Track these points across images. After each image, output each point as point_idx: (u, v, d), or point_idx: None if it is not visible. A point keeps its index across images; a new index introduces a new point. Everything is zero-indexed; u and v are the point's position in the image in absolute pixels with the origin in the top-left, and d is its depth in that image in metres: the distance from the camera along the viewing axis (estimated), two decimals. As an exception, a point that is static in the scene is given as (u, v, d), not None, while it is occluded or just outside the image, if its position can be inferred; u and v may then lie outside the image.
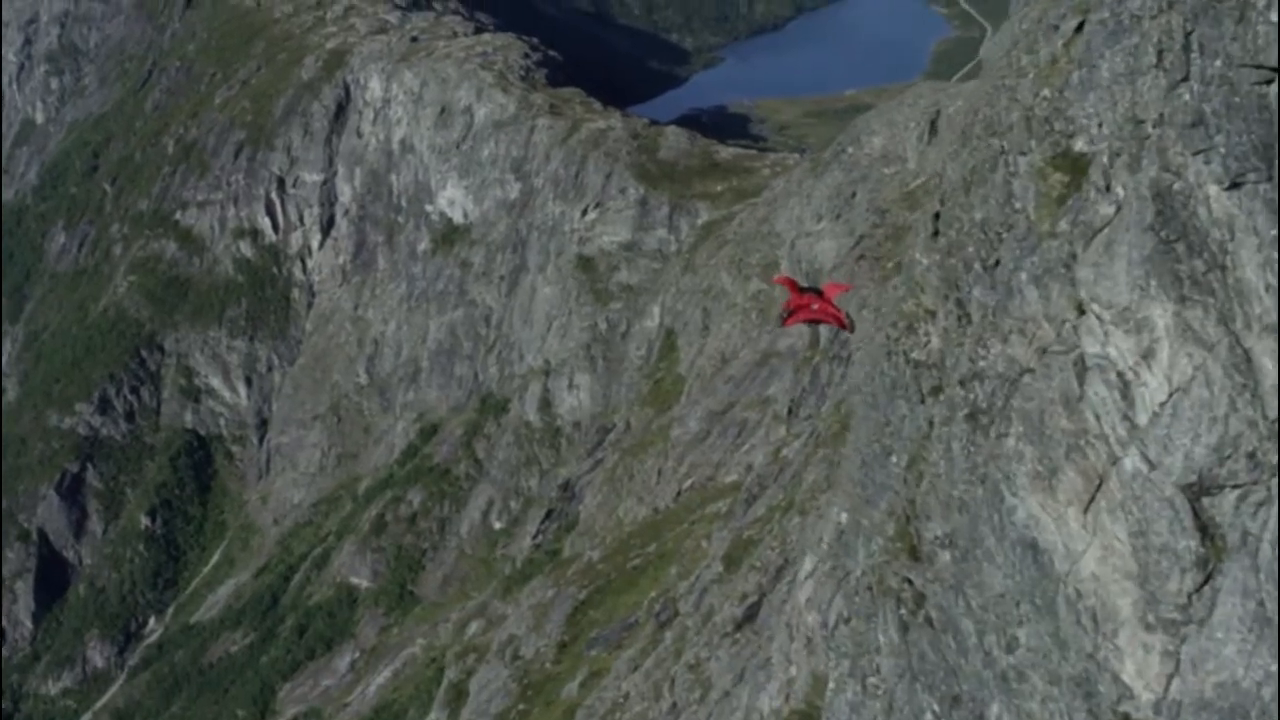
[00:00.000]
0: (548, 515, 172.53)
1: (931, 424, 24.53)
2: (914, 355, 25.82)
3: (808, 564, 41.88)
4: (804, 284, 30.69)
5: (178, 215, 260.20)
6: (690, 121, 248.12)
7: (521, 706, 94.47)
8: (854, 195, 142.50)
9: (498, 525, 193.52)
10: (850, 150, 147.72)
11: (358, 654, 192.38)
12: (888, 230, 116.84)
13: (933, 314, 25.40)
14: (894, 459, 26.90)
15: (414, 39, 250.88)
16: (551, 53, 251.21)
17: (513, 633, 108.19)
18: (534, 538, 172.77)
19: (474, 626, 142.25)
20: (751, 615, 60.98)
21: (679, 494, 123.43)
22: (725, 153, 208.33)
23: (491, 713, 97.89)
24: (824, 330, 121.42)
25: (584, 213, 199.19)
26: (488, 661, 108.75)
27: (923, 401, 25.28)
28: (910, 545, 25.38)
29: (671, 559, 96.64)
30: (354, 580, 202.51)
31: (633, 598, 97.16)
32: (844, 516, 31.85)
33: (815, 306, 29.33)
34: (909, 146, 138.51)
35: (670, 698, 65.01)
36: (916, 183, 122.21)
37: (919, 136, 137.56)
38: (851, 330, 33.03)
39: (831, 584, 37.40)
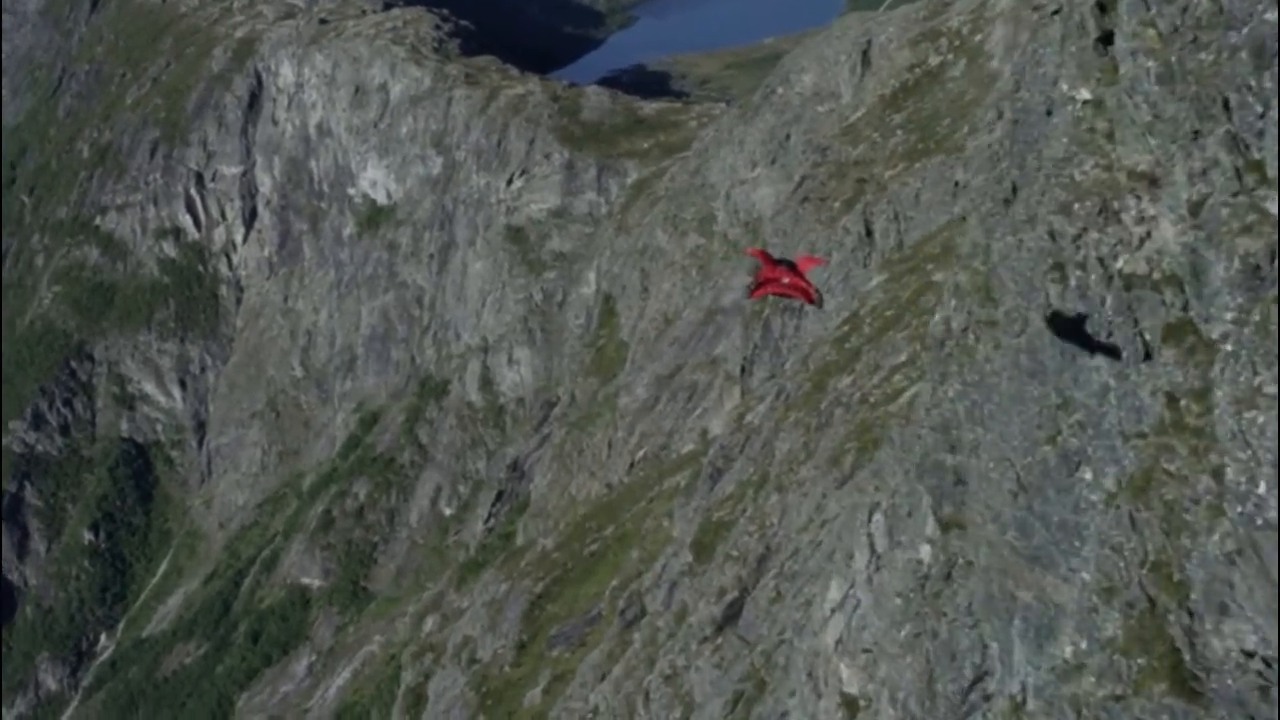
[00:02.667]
0: (498, 497, 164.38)
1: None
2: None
3: (835, 591, 31.59)
4: (776, 256, 28.04)
5: (98, 220, 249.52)
6: (610, 84, 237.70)
7: (482, 718, 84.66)
8: (788, 137, 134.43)
9: (448, 512, 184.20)
10: (780, 91, 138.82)
11: (314, 656, 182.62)
12: (830, 169, 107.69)
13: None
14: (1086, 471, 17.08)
15: (323, 21, 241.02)
16: (463, 22, 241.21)
17: (467, 633, 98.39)
18: (486, 522, 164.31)
19: (430, 622, 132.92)
20: (733, 616, 51.17)
21: (632, 466, 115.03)
22: (649, 108, 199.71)
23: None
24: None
25: (509, 182, 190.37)
26: (444, 666, 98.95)
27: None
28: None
29: (631, 542, 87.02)
30: (305, 580, 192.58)
31: (592, 588, 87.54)
32: (926, 549, 21.48)
33: (786, 280, 26.76)
34: (842, 81, 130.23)
35: (645, 715, 55.12)
36: (856, 115, 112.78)
37: (851, 70, 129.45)
38: (820, 305, 29.36)
39: (884, 623, 27.58)
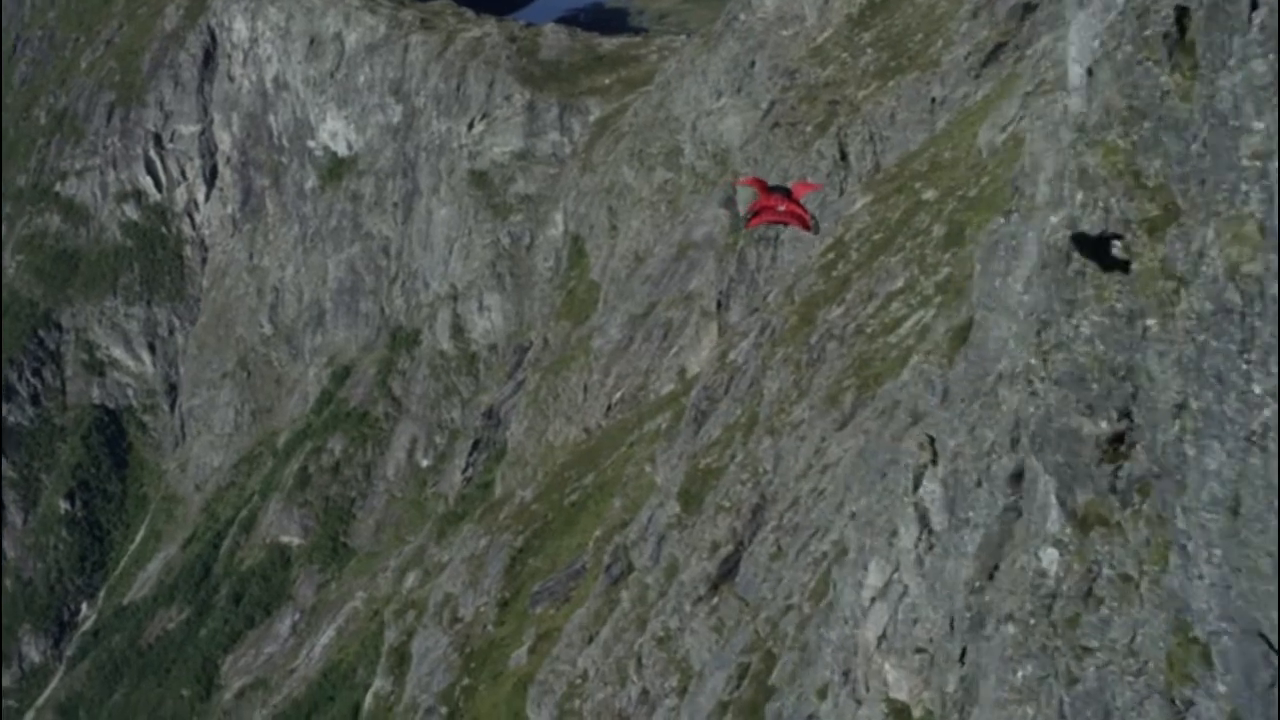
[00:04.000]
0: (475, 446, 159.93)
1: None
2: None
3: (874, 574, 26.51)
4: (771, 184, 27.45)
5: (58, 187, 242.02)
6: (568, 23, 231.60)
7: (466, 681, 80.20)
8: (753, 64, 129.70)
9: (425, 463, 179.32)
10: (743, 17, 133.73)
11: (298, 616, 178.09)
12: (800, 92, 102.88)
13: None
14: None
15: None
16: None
17: (448, 590, 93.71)
18: (464, 472, 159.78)
19: (411, 577, 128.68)
20: (729, 572, 46.50)
21: (609, 409, 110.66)
22: (609, 44, 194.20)
23: (435, 689, 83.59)
24: (745, 212, 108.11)
25: (470, 126, 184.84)
26: (425, 626, 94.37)
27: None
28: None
29: (613, 489, 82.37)
30: (284, 539, 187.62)
31: (574, 539, 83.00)
32: (1051, 554, 16.09)
33: (782, 208, 26.03)
34: (805, 3, 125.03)
35: (639, 681, 50.50)
36: (823, 36, 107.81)
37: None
38: (816, 232, 29.35)
39: (941, 618, 22.73)
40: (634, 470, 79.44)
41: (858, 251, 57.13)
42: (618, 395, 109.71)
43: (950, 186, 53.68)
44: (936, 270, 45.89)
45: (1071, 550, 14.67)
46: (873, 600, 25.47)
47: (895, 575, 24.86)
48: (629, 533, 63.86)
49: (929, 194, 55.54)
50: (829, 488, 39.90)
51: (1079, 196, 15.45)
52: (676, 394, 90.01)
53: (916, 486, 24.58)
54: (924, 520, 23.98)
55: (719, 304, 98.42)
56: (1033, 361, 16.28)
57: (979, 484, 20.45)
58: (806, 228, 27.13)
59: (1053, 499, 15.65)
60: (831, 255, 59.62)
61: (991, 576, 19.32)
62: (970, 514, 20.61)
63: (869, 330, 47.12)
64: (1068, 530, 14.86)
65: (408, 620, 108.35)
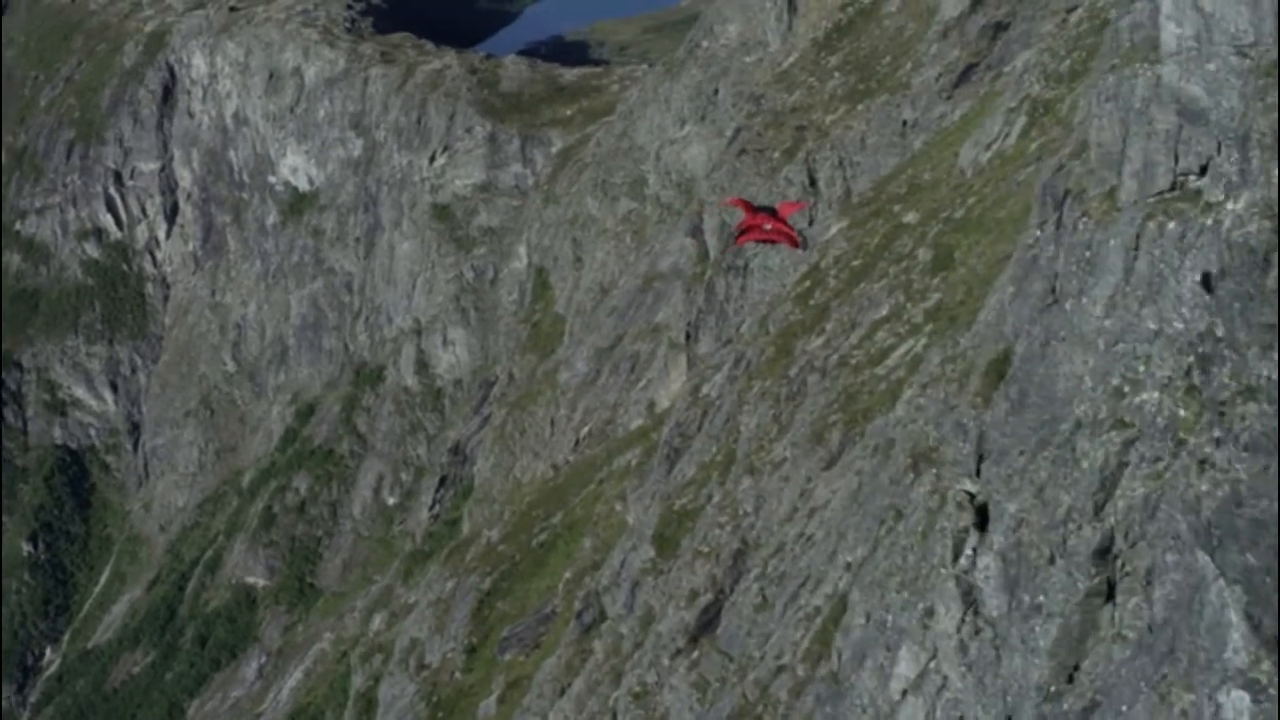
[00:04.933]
0: (441, 483, 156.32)
1: None
2: None
3: (906, 661, 22.81)
4: (757, 204, 31.51)
5: (18, 226, 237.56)
6: (528, 56, 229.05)
7: (434, 731, 76.64)
8: (716, 92, 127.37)
9: (391, 501, 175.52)
10: (705, 44, 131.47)
11: (264, 658, 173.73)
12: (766, 118, 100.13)
13: None
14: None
15: (232, 8, 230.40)
16: (375, 1, 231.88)
17: (414, 635, 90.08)
18: (430, 509, 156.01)
19: (378, 619, 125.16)
20: (709, 623, 43.10)
21: (577, 444, 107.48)
22: (570, 75, 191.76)
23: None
24: (712, 242, 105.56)
25: (432, 159, 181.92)
26: (391, 673, 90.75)
27: None
28: None
29: (582, 529, 78.97)
30: (250, 580, 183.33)
31: (543, 581, 79.48)
32: (1239, 698, 12.25)
33: (769, 226, 27.48)
34: (768, 29, 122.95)
35: (615, 740, 47.06)
36: (789, 61, 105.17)
37: (778, 16, 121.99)
38: (804, 248, 33.94)
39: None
40: (604, 509, 76.13)
41: (836, 279, 53.98)
42: (585, 430, 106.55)
43: (933, 208, 50.66)
44: (924, 296, 42.75)
45: (1272, 694, 11.15)
46: (904, 694, 21.95)
47: (932, 664, 21.34)
48: (600, 577, 60.47)
49: (910, 217, 52.51)
50: (818, 533, 36.60)
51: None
52: (646, 429, 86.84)
53: (957, 556, 21.10)
54: (969, 598, 20.46)
55: (688, 335, 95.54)
56: (1184, 414, 12.82)
57: (1051, 560, 17.15)
58: (795, 245, 28.98)
59: (1236, 617, 11.91)
60: (807, 283, 56.45)
61: (1071, 679, 16.08)
62: (1041, 598, 17.23)
63: (853, 361, 43.91)
64: (1262, 665, 11.34)
65: (374, 664, 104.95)
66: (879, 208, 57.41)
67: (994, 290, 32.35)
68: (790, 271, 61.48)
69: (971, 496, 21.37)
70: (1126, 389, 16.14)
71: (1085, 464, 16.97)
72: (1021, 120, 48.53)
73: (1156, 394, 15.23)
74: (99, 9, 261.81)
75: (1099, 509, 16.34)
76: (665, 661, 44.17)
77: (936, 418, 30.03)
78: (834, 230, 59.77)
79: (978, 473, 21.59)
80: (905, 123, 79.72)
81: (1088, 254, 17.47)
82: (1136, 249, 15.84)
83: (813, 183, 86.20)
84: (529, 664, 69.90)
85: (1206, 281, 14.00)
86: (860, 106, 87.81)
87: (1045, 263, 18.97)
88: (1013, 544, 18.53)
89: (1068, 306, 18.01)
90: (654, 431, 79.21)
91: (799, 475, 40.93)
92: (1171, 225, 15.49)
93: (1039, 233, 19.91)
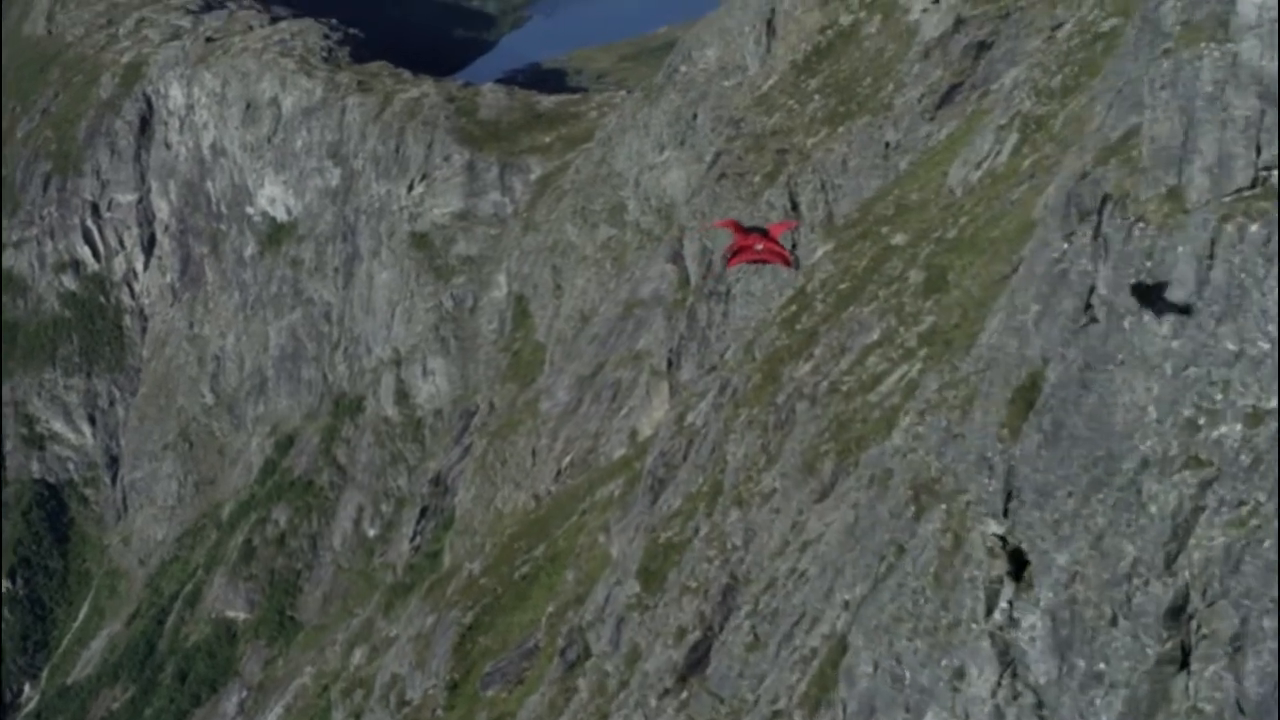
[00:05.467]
0: (422, 514, 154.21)
1: None
2: None
3: None
4: (746, 224, 28.07)
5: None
6: (505, 84, 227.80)
7: (415, 772, 74.61)
8: (695, 116, 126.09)
9: (371, 533, 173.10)
10: (684, 69, 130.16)
11: (245, 693, 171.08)
12: (746, 142, 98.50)
13: None
14: None
15: (209, 39, 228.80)
16: (352, 30, 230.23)
17: (395, 671, 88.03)
18: (412, 541, 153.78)
19: (359, 653, 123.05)
20: (698, 662, 41.20)
21: (559, 474, 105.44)
22: (548, 102, 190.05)
23: (383, 781, 78.06)
24: (693, 267, 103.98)
25: (410, 188, 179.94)
26: (372, 710, 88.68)
27: None
28: None
29: (565, 561, 77.00)
30: (230, 614, 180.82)
31: (526, 615, 77.40)
32: None
33: (760, 247, 25.88)
34: (747, 53, 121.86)
35: (601, 784, 45.20)
36: (769, 84, 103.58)
37: (756, 40, 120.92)
38: (797, 268, 34.30)
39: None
40: (587, 540, 74.22)
41: (823, 303, 52.21)
42: (567, 459, 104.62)
43: (922, 229, 48.95)
44: (917, 320, 40.99)
45: None
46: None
47: (964, 729, 19.37)
48: (584, 612, 58.55)
49: (898, 238, 50.79)
50: (811, 569, 34.74)
51: None
52: (629, 458, 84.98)
53: (991, 609, 19.07)
54: (1006, 659, 18.37)
55: (669, 363, 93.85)
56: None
57: (1113, 621, 15.15)
58: (787, 264, 27.08)
59: None
60: (794, 308, 54.67)
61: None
62: (1101, 665, 15.19)
63: (844, 388, 42.11)
64: None
65: (355, 700, 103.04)
66: (866, 229, 55.72)
67: (994, 311, 30.63)
68: (775, 296, 59.77)
69: (1003, 541, 19.30)
70: (1202, 421, 14.18)
71: (1153, 509, 14.93)
72: (1013, 137, 46.92)
73: (1239, 426, 13.34)
74: (75, 41, 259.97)
75: (1170, 561, 14.32)
76: (653, 702, 42.29)
77: (938, 447, 28.26)
78: (820, 253, 58.06)
79: (1005, 512, 19.63)
80: (888, 144, 78.21)
81: (1148, 264, 15.44)
82: (1211, 257, 13.86)
83: (794, 206, 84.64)
84: (512, 700, 67.95)
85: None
86: (841, 129, 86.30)
87: (1077, 277, 17.15)
88: (1064, 601, 16.38)
89: (1126, 325, 15.87)
90: (637, 461, 77.40)
91: (790, 507, 39.12)
92: (1254, 228, 13.49)
93: (1066, 245, 18.06)
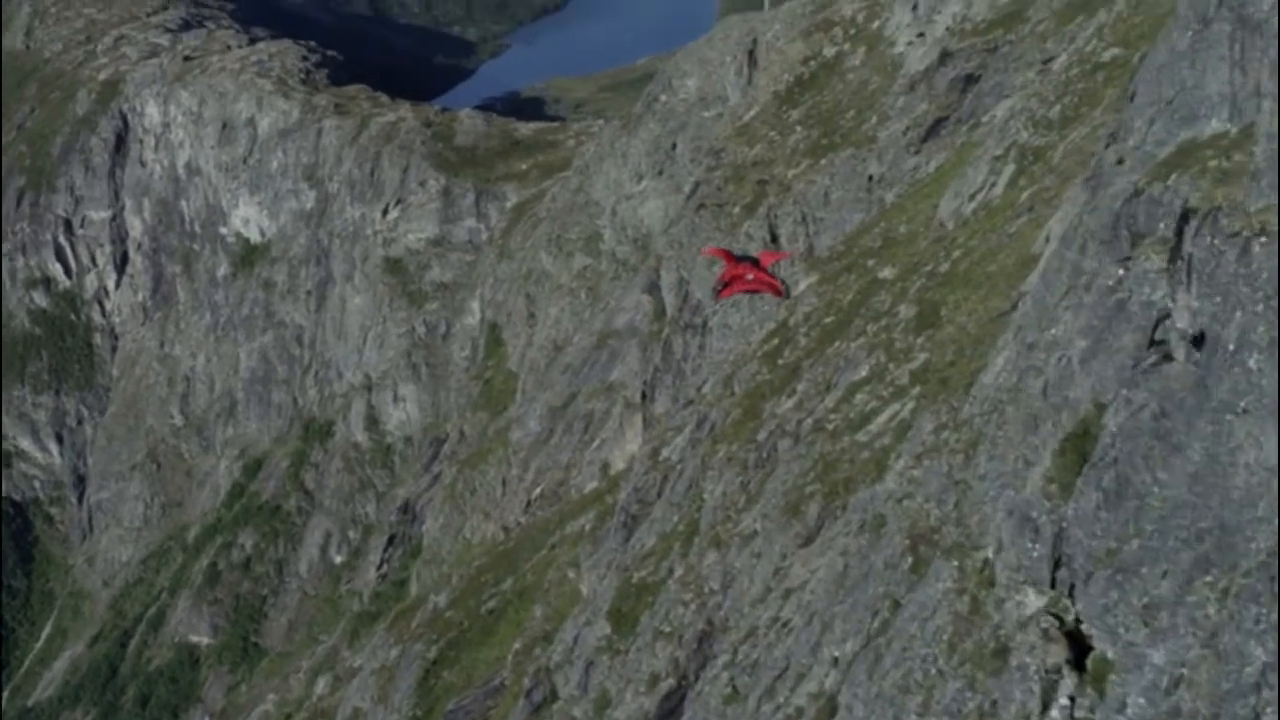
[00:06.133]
0: (390, 542, 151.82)
1: None
2: None
3: None
4: (737, 254, 29.84)
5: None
6: (484, 111, 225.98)
7: (374, 811, 72.00)
8: (674, 147, 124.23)
9: (338, 559, 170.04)
10: (664, 99, 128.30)
11: (206, 719, 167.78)
12: (726, 172, 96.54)
13: None
14: None
15: (187, 58, 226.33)
16: (330, 52, 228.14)
17: (357, 704, 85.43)
18: (379, 569, 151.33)
19: (322, 683, 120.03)
20: (671, 712, 38.87)
21: (529, 505, 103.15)
22: (526, 129, 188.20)
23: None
24: (670, 299, 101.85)
25: (385, 212, 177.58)
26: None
27: None
28: None
29: (533, 597, 74.54)
30: (194, 638, 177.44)
31: (492, 651, 74.94)
32: None
33: (751, 276, 26.53)
34: (728, 83, 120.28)
35: (566, 837, 42.77)
36: (750, 114, 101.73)
37: (737, 70, 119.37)
38: (787, 297, 31.87)
39: None
40: (556, 575, 71.84)
41: (807, 336, 50.05)
42: (537, 491, 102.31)
43: (912, 263, 46.84)
44: (909, 356, 38.81)
45: None
46: None
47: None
48: (552, 651, 56.10)
49: (886, 272, 48.69)
50: (796, 619, 32.44)
51: None
52: (600, 491, 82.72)
53: (1047, 705, 16.51)
54: None
55: (644, 395, 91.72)
56: None
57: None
58: (779, 294, 28.01)
59: None
60: (775, 341, 52.50)
61: None
62: None
63: (830, 427, 39.86)
64: None
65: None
66: (851, 262, 53.63)
67: (997, 348, 28.49)
68: (756, 329, 57.58)
69: (1057, 620, 16.73)
70: None
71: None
72: (1009, 169, 44.87)
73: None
74: (53, 56, 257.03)
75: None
76: (622, 753, 40.01)
77: (939, 494, 26.08)
78: (803, 285, 55.89)
79: (1052, 582, 17.18)
80: (871, 177, 76.37)
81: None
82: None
83: (774, 238, 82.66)
84: (475, 740, 65.53)
85: None
86: (824, 161, 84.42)
87: (1139, 308, 14.90)
88: (1164, 713, 13.75)
89: (1252, 364, 13.35)
90: (609, 494, 75.17)
91: (772, 551, 36.85)
92: None
93: (1122, 271, 15.84)
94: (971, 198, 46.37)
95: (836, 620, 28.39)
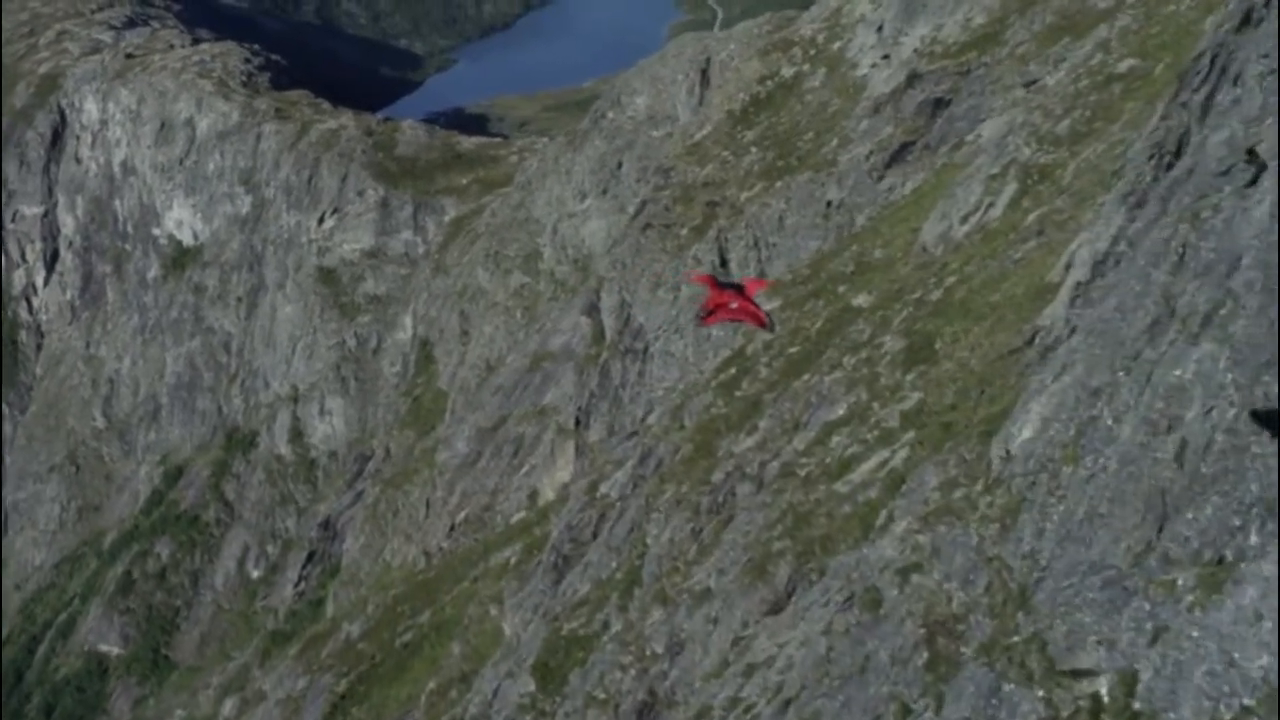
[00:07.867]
0: (309, 559, 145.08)
1: None
2: None
3: None
4: (722, 280, 26.04)
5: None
6: (427, 124, 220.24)
7: None
8: (620, 165, 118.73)
9: (255, 574, 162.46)
10: (611, 115, 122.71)
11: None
12: (675, 192, 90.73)
13: None
14: None
15: (129, 55, 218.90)
16: (274, 56, 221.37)
17: (259, 736, 78.84)
18: (296, 586, 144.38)
19: (230, 704, 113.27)
20: (603, 796, 32.67)
21: (452, 529, 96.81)
22: (468, 143, 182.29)
23: None
24: (610, 322, 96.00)
25: (321, 220, 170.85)
26: (231, 776, 79.46)
27: None
28: None
29: (451, 632, 68.19)
30: (103, 648, 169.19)
31: (404, 689, 68.50)
32: None
33: (735, 305, 24.31)
34: (679, 102, 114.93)
35: None
36: (702, 133, 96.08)
37: (689, 90, 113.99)
38: (772, 330, 26.93)
39: None
40: (477, 611, 65.54)
41: (768, 367, 44.05)
42: (462, 515, 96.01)
43: (892, 290, 40.95)
44: (897, 395, 32.84)
45: None
46: None
47: None
48: (469, 701, 49.75)
49: (861, 299, 42.80)
50: (761, 704, 26.30)
51: None
52: (529, 521, 76.49)
53: None
54: None
55: (578, 421, 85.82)
56: None
57: None
58: (762, 325, 25.09)
59: None
60: (732, 370, 46.45)
61: None
62: None
63: (802, 472, 33.84)
64: None
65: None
66: (819, 287, 47.72)
67: (1027, 392, 22.62)
68: (709, 356, 51.55)
69: None
70: None
71: None
72: (1010, 188, 39.05)
73: None
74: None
75: None
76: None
77: (964, 572, 20.16)
78: (766, 308, 49.84)
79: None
80: (829, 203, 70.82)
81: None
82: None
83: (724, 262, 77.12)
84: (380, 789, 59.10)
85: None
86: (779, 183, 78.88)
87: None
88: None
89: None
90: (537, 526, 69.14)
91: (731, 617, 30.75)
92: None
93: None
94: (964, 220, 40.60)
95: (823, 718, 22.37)
